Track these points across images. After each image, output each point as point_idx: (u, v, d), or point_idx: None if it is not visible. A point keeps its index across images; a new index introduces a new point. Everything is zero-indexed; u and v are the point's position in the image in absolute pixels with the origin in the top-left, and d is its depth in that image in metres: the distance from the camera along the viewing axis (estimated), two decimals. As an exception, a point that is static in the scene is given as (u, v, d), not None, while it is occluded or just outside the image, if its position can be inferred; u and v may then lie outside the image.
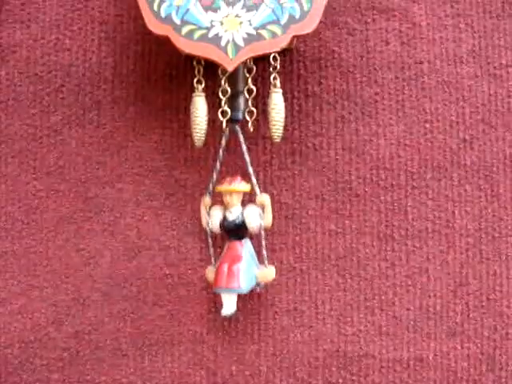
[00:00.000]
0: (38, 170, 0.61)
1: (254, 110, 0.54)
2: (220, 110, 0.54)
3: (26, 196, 0.61)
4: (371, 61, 0.62)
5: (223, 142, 0.56)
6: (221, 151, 0.56)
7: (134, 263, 0.60)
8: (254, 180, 0.55)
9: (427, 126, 0.61)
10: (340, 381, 0.60)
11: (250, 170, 0.55)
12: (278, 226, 0.61)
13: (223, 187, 0.54)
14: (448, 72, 0.62)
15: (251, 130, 0.55)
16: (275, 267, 0.58)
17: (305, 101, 0.61)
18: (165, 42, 0.51)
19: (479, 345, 0.61)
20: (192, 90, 0.56)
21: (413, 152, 0.61)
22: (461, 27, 0.62)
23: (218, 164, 0.56)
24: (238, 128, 0.55)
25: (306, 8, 0.50)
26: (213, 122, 0.55)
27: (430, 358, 0.61)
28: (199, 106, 0.52)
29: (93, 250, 0.61)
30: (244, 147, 0.55)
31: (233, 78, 0.52)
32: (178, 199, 0.61)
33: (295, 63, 0.60)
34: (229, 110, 0.52)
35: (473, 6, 0.62)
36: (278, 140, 0.53)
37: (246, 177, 0.56)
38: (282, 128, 0.53)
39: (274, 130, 0.53)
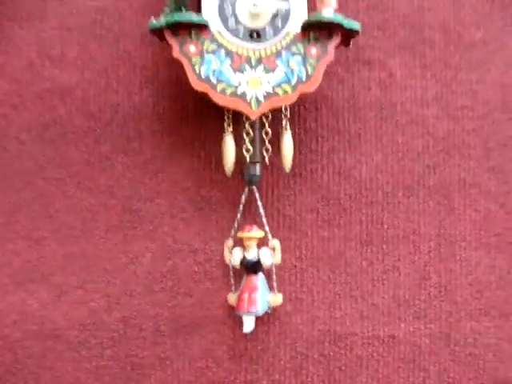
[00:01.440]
0: (92, 188, 0.68)
1: (270, 147, 0.62)
2: (244, 147, 0.62)
3: (82, 209, 0.67)
4: (356, 103, 0.68)
5: (243, 199, 0.64)
6: (241, 206, 0.64)
7: (169, 262, 0.67)
8: (267, 228, 0.64)
9: (400, 155, 0.69)
10: (331, 354, 0.68)
11: (265, 221, 0.64)
12: (282, 233, 0.67)
13: (244, 234, 0.63)
14: (416, 112, 0.69)
15: (267, 163, 0.63)
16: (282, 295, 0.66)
17: (304, 135, 0.67)
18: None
19: (438, 325, 0.69)
20: (216, 125, 0.65)
21: (388, 176, 0.69)
22: (427, 77, 0.70)
23: (238, 215, 0.64)
24: (255, 189, 0.63)
25: (310, 72, 0.59)
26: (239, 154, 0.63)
27: (401, 335, 0.69)
28: (229, 144, 0.61)
29: (136, 252, 0.68)
30: (259, 204, 0.64)
31: (254, 122, 0.61)
32: (204, 212, 0.68)
33: (296, 106, 0.66)
34: (251, 148, 0.61)
35: (436, 60, 0.70)
36: (287, 170, 0.63)
37: (260, 225, 0.65)
38: (291, 160, 0.63)
39: (285, 163, 0.62)
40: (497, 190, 0.71)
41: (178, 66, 0.60)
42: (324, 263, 0.69)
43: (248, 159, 0.62)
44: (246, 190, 0.64)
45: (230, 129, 0.62)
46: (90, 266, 0.68)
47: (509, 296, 0.70)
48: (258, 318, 0.66)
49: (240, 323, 0.66)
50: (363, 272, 0.70)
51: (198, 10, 0.60)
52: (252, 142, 0.61)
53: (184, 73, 0.60)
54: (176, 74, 0.68)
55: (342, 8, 0.64)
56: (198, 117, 0.68)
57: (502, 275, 0.70)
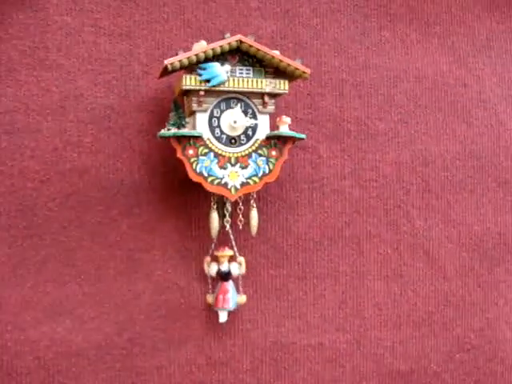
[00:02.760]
0: (103, 243, 0.85)
1: (242, 219, 0.84)
2: (225, 219, 0.83)
3: (96, 259, 0.85)
4: (295, 177, 0.91)
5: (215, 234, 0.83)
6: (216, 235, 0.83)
7: (162, 297, 0.86)
8: (235, 249, 0.84)
9: (325, 214, 0.92)
10: (279, 357, 0.90)
11: (234, 243, 0.84)
12: (249, 274, 0.87)
13: (218, 253, 0.83)
14: (337, 184, 0.92)
15: (240, 228, 0.84)
16: (246, 296, 0.85)
17: (257, 202, 0.90)
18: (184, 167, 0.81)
19: (352, 335, 0.92)
20: (195, 197, 0.88)
21: (317, 230, 0.92)
22: (345, 157, 0.93)
23: (215, 240, 0.84)
24: (228, 227, 0.83)
25: (271, 168, 0.83)
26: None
27: (326, 343, 0.91)
28: (214, 218, 0.82)
29: (138, 290, 0.86)
30: (231, 233, 0.84)
31: (232, 202, 0.85)
32: (187, 260, 0.87)
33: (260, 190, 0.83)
34: (230, 220, 0.85)
35: (351, 145, 0.92)
36: (254, 235, 0.87)
37: (230, 246, 0.84)
38: (256, 228, 0.86)
39: (252, 230, 0.86)
40: (392, 239, 0.95)
41: (169, 153, 0.83)
42: (272, 294, 0.90)
43: (227, 227, 0.87)
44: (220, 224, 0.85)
45: (215, 206, 0.85)
46: (103, 302, 0.85)
47: (400, 313, 0.95)
48: (226, 335, 0.90)
49: (214, 340, 0.91)
50: (300, 299, 0.92)
51: (190, 114, 0.83)
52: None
53: (174, 159, 0.80)
54: (165, 158, 0.87)
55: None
56: (182, 189, 0.88)
57: (396, 298, 0.95)
